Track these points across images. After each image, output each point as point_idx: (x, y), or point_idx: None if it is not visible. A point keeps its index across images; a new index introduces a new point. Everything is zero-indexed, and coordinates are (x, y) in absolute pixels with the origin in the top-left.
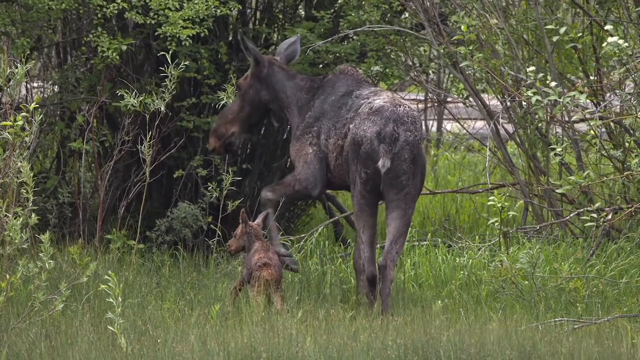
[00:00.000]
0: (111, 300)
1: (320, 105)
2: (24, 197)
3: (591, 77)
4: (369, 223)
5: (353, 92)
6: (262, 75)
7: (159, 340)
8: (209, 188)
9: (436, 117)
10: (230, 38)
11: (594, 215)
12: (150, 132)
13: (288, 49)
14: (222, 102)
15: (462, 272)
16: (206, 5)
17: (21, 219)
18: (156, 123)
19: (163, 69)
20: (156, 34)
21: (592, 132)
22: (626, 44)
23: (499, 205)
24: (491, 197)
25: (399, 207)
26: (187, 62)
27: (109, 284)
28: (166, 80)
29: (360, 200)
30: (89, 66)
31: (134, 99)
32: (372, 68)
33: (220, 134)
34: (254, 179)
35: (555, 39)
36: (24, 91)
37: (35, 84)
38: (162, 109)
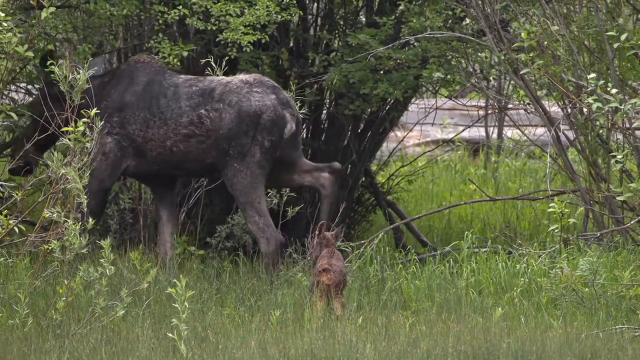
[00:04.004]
0: (176, 305)
1: (120, 96)
2: (79, 202)
3: None
4: (264, 193)
5: (162, 82)
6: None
7: (219, 347)
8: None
9: (497, 124)
10: (292, 44)
11: None
12: None
13: None
14: None
15: (522, 279)
16: (267, 11)
17: (80, 224)
18: None
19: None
20: (217, 40)
21: None
22: None
23: (560, 212)
24: (552, 204)
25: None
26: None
27: (177, 288)
28: None
29: (257, 170)
30: None
31: None
32: (434, 74)
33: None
34: None
35: (616, 45)
36: None
37: None
38: None
